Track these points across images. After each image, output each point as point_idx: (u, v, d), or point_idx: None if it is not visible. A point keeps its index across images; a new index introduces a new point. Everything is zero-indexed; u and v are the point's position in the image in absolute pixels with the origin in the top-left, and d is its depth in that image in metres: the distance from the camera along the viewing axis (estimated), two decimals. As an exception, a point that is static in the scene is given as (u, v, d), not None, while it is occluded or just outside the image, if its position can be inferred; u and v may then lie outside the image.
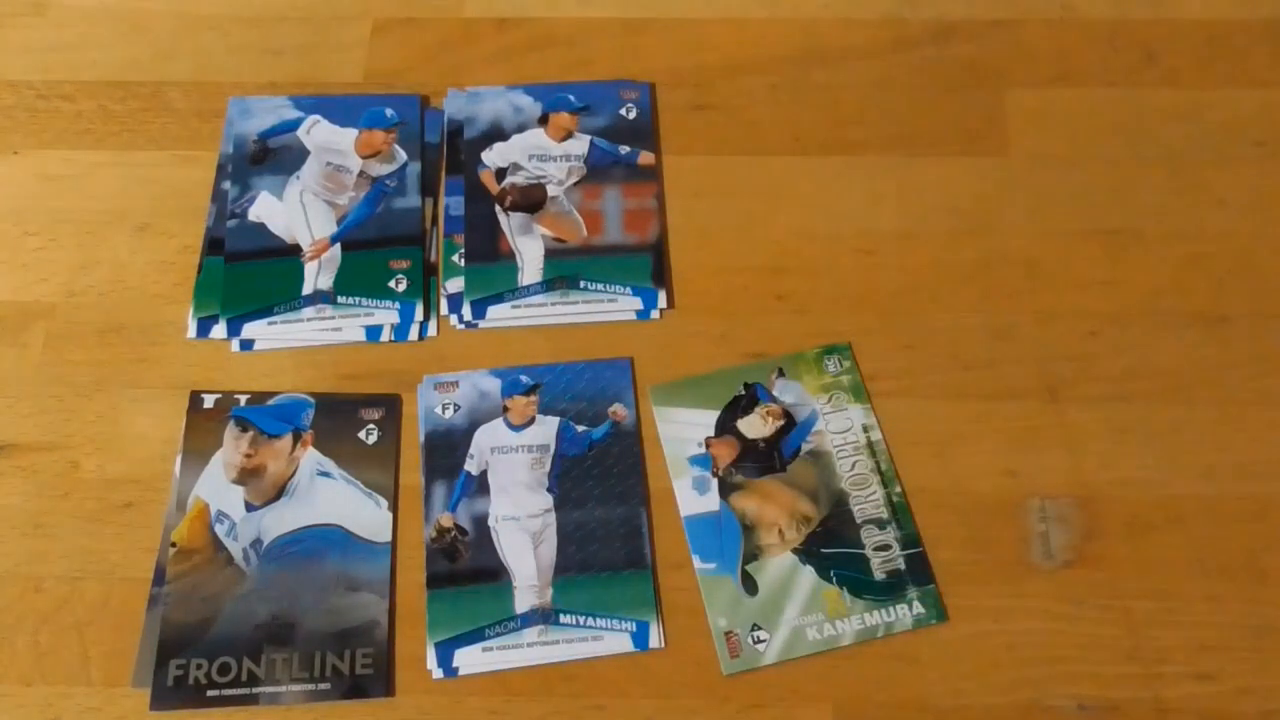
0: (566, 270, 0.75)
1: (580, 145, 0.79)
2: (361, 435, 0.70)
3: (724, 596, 0.65)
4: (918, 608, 0.65)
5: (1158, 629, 0.64)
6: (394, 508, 0.68)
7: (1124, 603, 0.64)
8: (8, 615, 0.66)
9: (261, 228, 0.77)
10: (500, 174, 0.79)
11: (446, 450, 0.69)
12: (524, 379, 0.71)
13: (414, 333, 0.73)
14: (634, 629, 0.65)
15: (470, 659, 0.64)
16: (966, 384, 0.71)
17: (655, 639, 0.64)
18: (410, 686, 0.64)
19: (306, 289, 0.74)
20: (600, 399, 0.71)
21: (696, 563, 0.66)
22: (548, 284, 0.74)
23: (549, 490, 0.68)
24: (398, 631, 0.65)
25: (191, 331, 0.74)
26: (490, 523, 0.68)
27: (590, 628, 0.65)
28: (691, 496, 0.68)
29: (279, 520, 0.67)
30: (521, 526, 0.67)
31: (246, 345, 0.73)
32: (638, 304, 0.74)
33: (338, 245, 0.76)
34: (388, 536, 0.67)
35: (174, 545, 0.66)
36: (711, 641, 0.64)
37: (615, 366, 0.72)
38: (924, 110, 0.81)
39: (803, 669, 0.64)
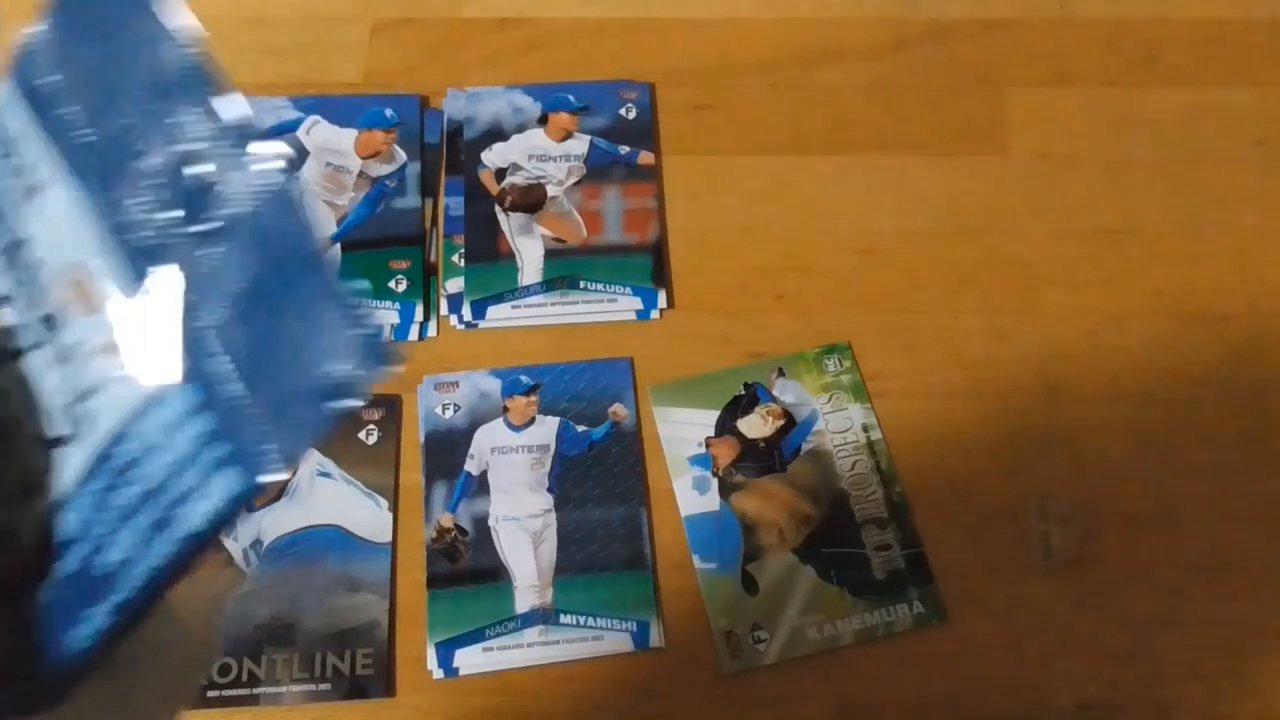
0: (566, 270, 0.75)
1: (580, 145, 0.79)
2: (361, 435, 0.70)
3: (724, 596, 0.65)
4: (918, 607, 0.65)
5: (1158, 629, 0.64)
6: (394, 508, 0.68)
7: (1124, 603, 0.64)
8: (8, 616, 0.66)
9: (261, 228, 0.77)
10: (500, 174, 0.79)
11: (446, 450, 0.69)
12: (524, 379, 0.71)
13: (414, 333, 0.73)
14: (634, 629, 0.65)
15: (470, 659, 0.64)
16: (966, 384, 0.71)
17: (655, 639, 0.64)
18: (410, 686, 0.64)
19: (306, 289, 0.74)
20: (600, 399, 0.71)
21: (696, 563, 0.66)
22: (548, 284, 0.74)
23: (549, 490, 0.68)
24: (398, 631, 0.65)
25: (191, 332, 0.73)
26: (490, 523, 0.68)
27: (590, 628, 0.65)
28: (691, 496, 0.68)
29: (279, 521, 0.67)
30: (522, 526, 0.67)
31: (246, 345, 0.73)
32: (638, 304, 0.74)
33: (337, 245, 0.76)
34: (388, 537, 0.67)
35: (174, 545, 0.66)
36: (711, 641, 0.64)
37: (615, 366, 0.72)
38: (924, 110, 0.81)
39: (803, 669, 0.64)
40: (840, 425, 0.70)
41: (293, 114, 0.81)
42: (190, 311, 0.30)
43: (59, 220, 0.31)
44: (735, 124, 0.81)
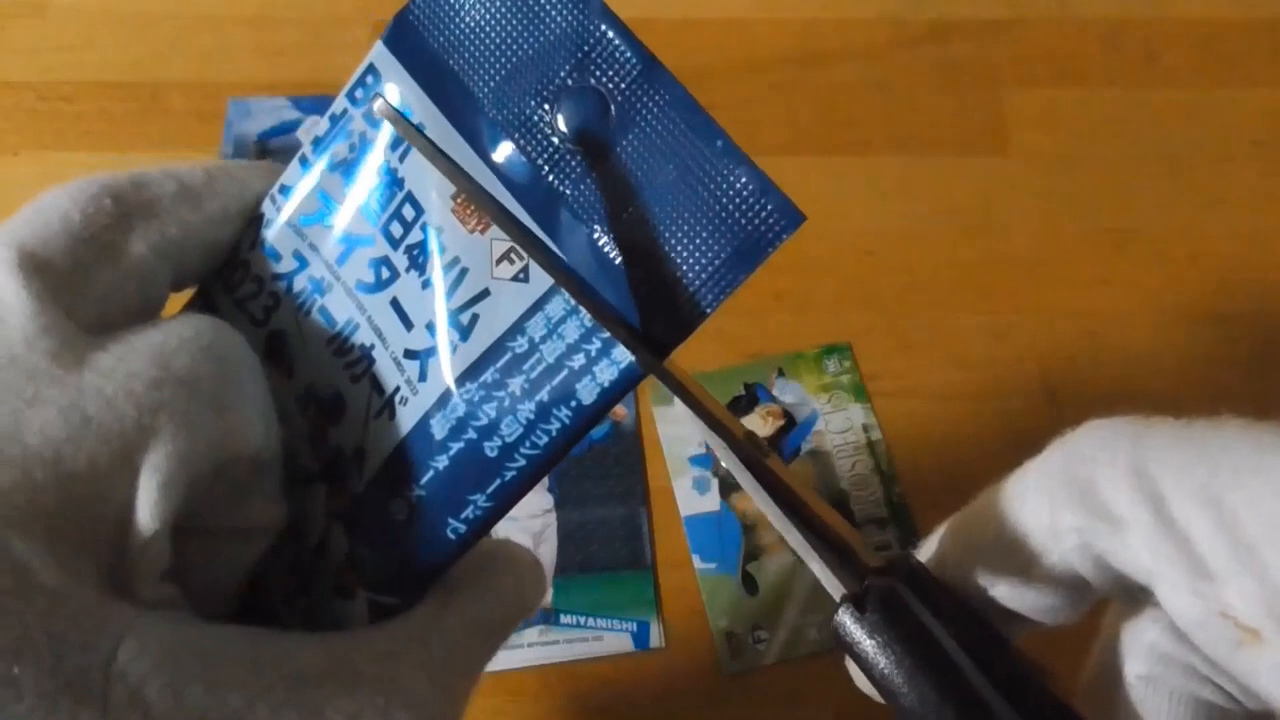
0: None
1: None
2: (361, 436, 0.70)
3: (724, 596, 0.65)
4: (918, 608, 0.65)
5: (1158, 629, 0.64)
6: (394, 508, 0.68)
7: (1124, 602, 0.64)
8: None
9: (261, 228, 0.77)
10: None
11: (446, 450, 0.69)
12: (524, 379, 0.71)
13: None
14: (634, 629, 0.65)
15: (470, 659, 0.64)
16: (966, 384, 0.71)
17: (655, 639, 0.64)
18: (410, 687, 0.63)
19: (306, 289, 0.74)
20: (600, 399, 0.71)
21: (697, 562, 0.66)
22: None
23: (549, 490, 0.68)
24: (398, 632, 0.65)
25: (191, 332, 0.73)
26: (490, 523, 0.68)
27: (590, 628, 0.65)
28: (691, 496, 0.68)
29: (279, 521, 0.67)
30: (522, 527, 0.67)
31: (246, 346, 0.73)
32: (638, 304, 0.74)
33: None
34: (388, 537, 0.67)
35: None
36: (712, 641, 0.64)
37: (615, 367, 0.72)
38: (924, 110, 0.81)
39: (803, 669, 0.64)
40: (840, 425, 0.70)
41: (293, 114, 0.81)
42: (578, 210, 0.32)
43: (427, 161, 0.33)
44: (735, 124, 0.80)
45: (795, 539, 0.32)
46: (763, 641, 0.64)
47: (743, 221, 0.32)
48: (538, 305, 0.31)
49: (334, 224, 0.34)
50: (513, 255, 0.31)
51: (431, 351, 0.32)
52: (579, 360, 0.31)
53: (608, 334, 0.31)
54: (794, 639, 0.64)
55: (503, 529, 0.68)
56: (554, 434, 0.31)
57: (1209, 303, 0.73)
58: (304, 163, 0.35)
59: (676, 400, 0.32)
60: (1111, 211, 0.77)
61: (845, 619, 0.32)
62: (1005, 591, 0.33)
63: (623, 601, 0.65)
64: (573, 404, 0.31)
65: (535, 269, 0.31)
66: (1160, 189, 0.78)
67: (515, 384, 0.31)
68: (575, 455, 0.69)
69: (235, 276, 0.36)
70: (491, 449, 0.32)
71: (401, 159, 0.33)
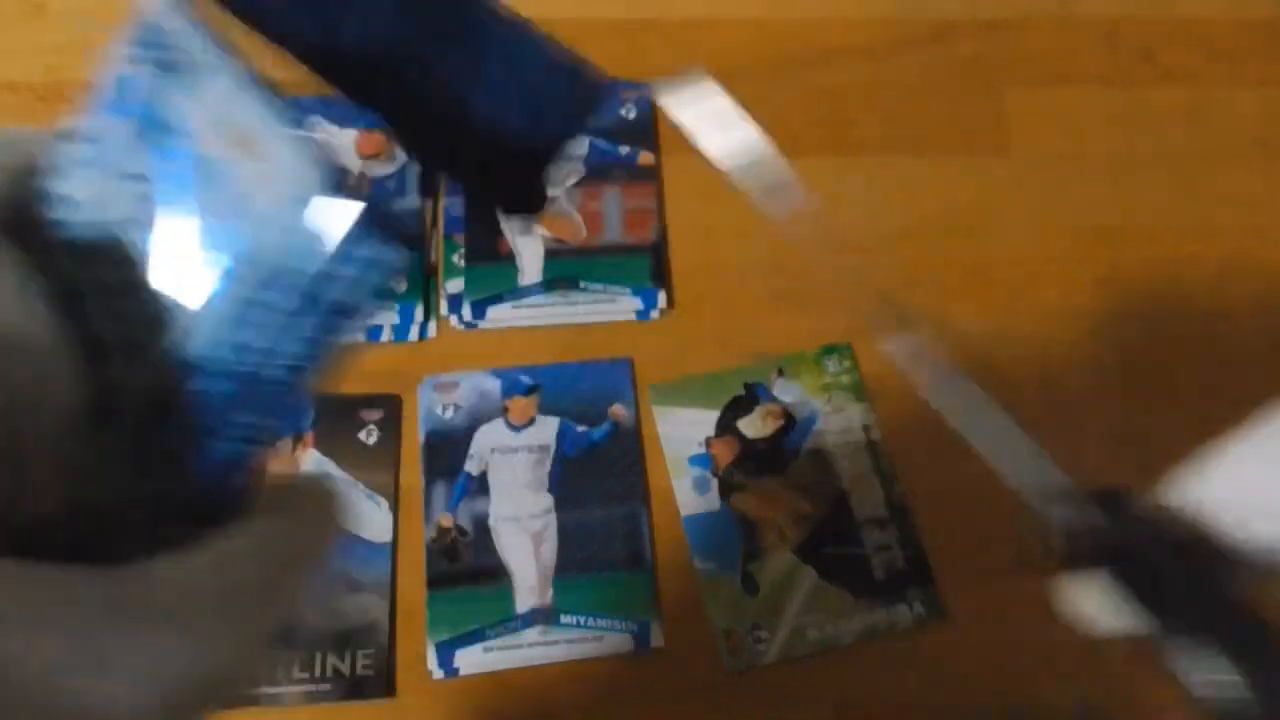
0: (566, 271, 0.75)
1: (579, 145, 0.79)
2: (362, 436, 0.70)
3: (724, 596, 0.65)
4: (918, 608, 0.65)
5: (1158, 629, 0.64)
6: (394, 508, 0.68)
7: (1124, 602, 0.64)
8: (8, 616, 0.66)
9: (262, 228, 0.77)
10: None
11: (446, 450, 0.69)
12: (524, 379, 0.71)
13: (414, 333, 0.73)
14: (634, 629, 0.65)
15: (471, 659, 0.64)
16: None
17: (656, 639, 0.64)
18: (411, 687, 0.64)
19: (307, 289, 0.74)
20: (600, 399, 0.71)
21: (697, 563, 0.66)
22: (548, 284, 0.74)
23: (549, 490, 0.68)
24: (398, 632, 0.65)
25: (192, 332, 0.74)
26: (490, 523, 0.68)
27: (591, 628, 0.65)
28: (692, 496, 0.68)
29: (279, 521, 0.67)
30: (522, 527, 0.67)
31: (247, 346, 0.73)
32: (637, 304, 0.74)
33: (338, 246, 0.76)
34: (388, 537, 0.67)
35: (174, 546, 0.67)
36: (712, 641, 0.64)
37: (615, 366, 0.72)
38: (924, 110, 0.81)
39: (803, 669, 0.64)
40: (840, 425, 0.70)
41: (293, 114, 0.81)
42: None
43: (219, 101, 0.34)
44: (735, 124, 0.81)
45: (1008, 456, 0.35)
46: (763, 641, 0.64)
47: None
48: (303, 226, 0.32)
49: (123, 152, 0.36)
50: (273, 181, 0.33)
51: (215, 279, 0.33)
52: (348, 270, 0.32)
53: (370, 245, 0.32)
54: (794, 639, 0.64)
55: (503, 528, 0.68)
56: (320, 344, 0.32)
57: (1209, 302, 0.73)
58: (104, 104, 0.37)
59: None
60: (1111, 211, 0.77)
61: (1075, 518, 0.35)
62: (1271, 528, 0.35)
63: (623, 601, 0.66)
64: (339, 311, 0.32)
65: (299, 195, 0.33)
66: (1160, 189, 0.78)
67: (284, 302, 0.32)
68: (575, 455, 0.69)
69: (24, 227, 0.37)
70: (257, 366, 0.33)
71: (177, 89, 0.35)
